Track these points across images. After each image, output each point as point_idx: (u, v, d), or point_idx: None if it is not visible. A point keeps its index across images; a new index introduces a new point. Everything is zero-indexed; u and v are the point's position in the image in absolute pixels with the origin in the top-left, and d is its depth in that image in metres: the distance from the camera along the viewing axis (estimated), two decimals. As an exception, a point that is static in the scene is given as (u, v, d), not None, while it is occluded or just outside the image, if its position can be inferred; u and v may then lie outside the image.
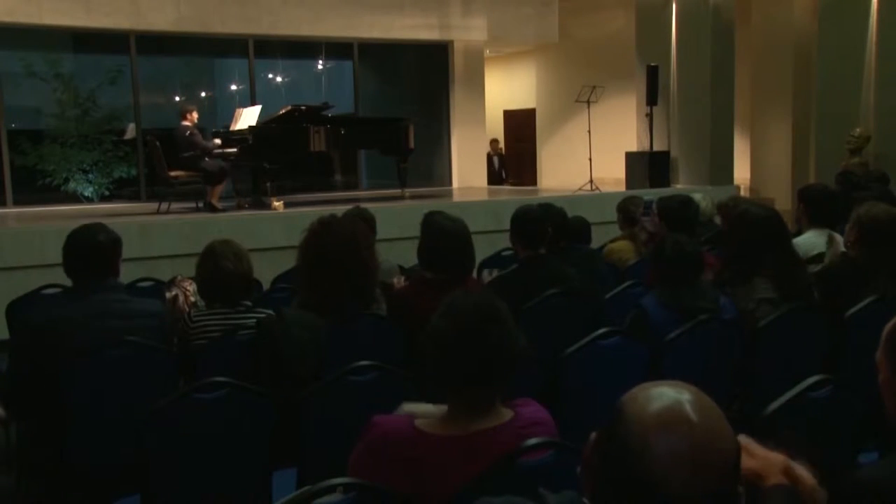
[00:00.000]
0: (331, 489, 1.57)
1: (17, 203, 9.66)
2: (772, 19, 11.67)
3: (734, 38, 10.63)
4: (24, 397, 2.81)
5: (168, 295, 3.67)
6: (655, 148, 10.54)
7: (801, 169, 11.03)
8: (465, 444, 1.69)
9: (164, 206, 8.22)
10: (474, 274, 3.69)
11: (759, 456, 1.19)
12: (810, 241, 4.05)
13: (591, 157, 10.47)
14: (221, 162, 8.23)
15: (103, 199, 10.43)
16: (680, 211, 4.43)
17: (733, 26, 10.62)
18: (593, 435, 1.09)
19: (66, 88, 10.35)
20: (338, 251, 2.86)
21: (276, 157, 8.41)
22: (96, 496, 2.54)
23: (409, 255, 3.98)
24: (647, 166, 10.34)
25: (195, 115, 8.21)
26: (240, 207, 8.45)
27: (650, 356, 2.85)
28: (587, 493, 1.10)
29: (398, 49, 12.35)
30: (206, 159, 8.16)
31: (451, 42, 12.10)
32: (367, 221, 4.22)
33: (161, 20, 9.86)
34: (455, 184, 12.34)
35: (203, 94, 12.75)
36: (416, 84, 13.07)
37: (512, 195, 10.38)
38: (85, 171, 10.33)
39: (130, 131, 10.41)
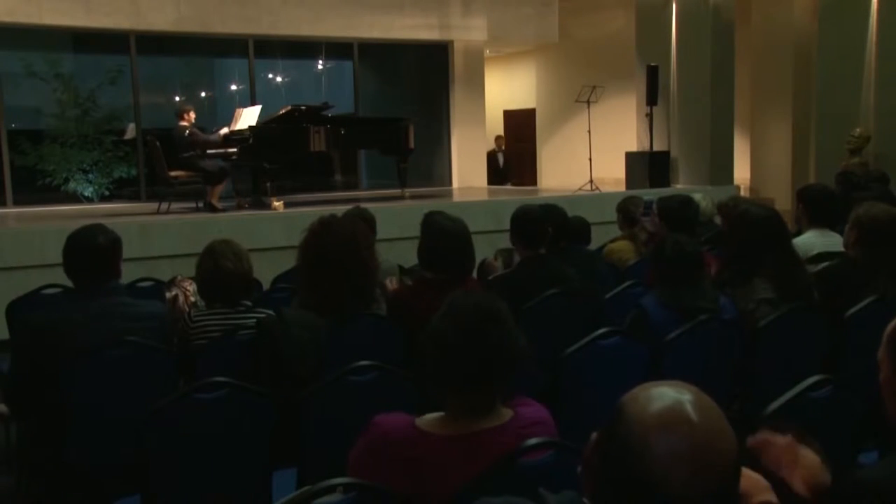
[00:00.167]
0: (331, 489, 1.57)
1: (17, 203, 9.66)
2: (772, 19, 11.67)
3: (734, 38, 10.62)
4: (24, 397, 2.81)
5: (168, 295, 3.68)
6: (655, 148, 10.54)
7: (801, 169, 11.03)
8: (466, 444, 1.69)
9: (164, 206, 8.22)
10: (474, 274, 3.69)
11: (745, 475, 1.20)
12: (810, 241, 4.05)
13: (591, 157, 10.48)
14: (221, 162, 8.22)
15: (103, 199, 10.42)
16: (680, 211, 4.43)
17: (733, 26, 10.62)
18: (594, 435, 1.09)
19: (66, 88, 10.35)
20: (338, 251, 2.85)
21: (276, 157, 8.41)
22: (96, 496, 2.54)
23: (409, 255, 3.98)
24: (647, 166, 10.34)
25: (192, 115, 8.21)
26: (240, 207, 8.45)
27: (650, 356, 2.85)
28: (587, 493, 1.10)
29: (398, 49, 12.35)
30: (207, 160, 8.16)
31: (451, 42, 12.10)
32: (367, 221, 4.22)
33: (161, 20, 9.86)
34: (455, 184, 12.34)
35: (203, 94, 12.76)
36: (416, 84, 13.07)
37: (512, 195, 10.38)
38: (85, 171, 10.33)
39: (130, 131, 10.40)
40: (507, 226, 3.88)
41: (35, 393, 2.74)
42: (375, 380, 2.39)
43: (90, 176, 10.36)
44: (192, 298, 3.61)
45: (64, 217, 8.27)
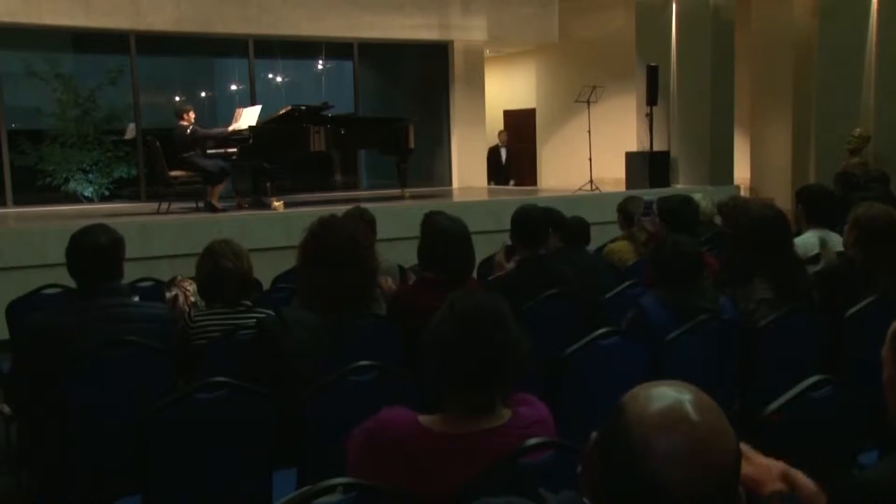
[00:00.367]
0: (331, 489, 1.57)
1: (17, 203, 9.65)
2: (772, 19, 11.66)
3: (734, 38, 10.62)
4: (24, 397, 2.81)
5: (168, 295, 3.68)
6: (655, 148, 10.54)
7: (801, 169, 11.03)
8: (465, 444, 1.69)
9: (164, 206, 8.21)
10: (474, 274, 3.69)
11: (756, 463, 1.19)
12: (809, 241, 4.06)
13: (591, 157, 10.47)
14: (221, 162, 8.23)
15: (103, 199, 10.41)
16: (680, 211, 4.43)
17: (733, 26, 10.62)
18: (594, 435, 1.09)
19: (66, 88, 10.34)
20: (338, 251, 2.85)
21: (276, 157, 8.41)
22: (96, 496, 2.54)
23: (409, 255, 3.98)
24: (647, 166, 10.34)
25: (192, 115, 8.20)
26: (240, 207, 8.45)
27: (650, 356, 2.85)
28: (587, 493, 1.09)
29: (398, 49, 12.34)
30: (207, 160, 8.16)
31: (451, 42, 12.10)
32: (368, 222, 4.22)
33: (161, 20, 9.86)
34: (455, 184, 12.33)
35: (203, 94, 12.75)
36: (416, 84, 13.06)
37: (512, 195, 10.38)
38: (85, 171, 10.32)
39: (130, 131, 10.39)
40: (507, 226, 3.88)
41: (35, 393, 2.74)
42: (375, 380, 2.39)
43: (90, 176, 10.35)
44: (192, 298, 3.61)
45: (64, 217, 8.27)
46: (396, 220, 6.80)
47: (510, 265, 3.92)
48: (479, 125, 12.49)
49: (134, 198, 10.39)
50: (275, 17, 10.53)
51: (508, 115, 14.90)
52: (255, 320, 2.92)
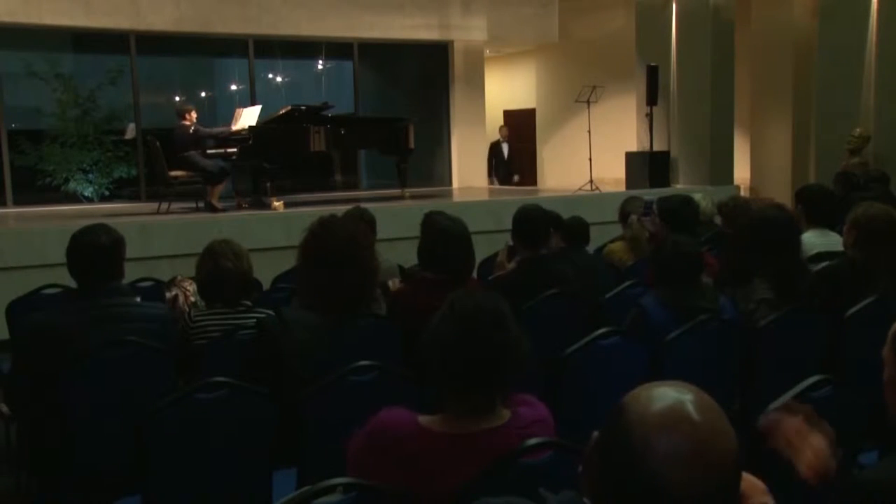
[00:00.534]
0: (331, 489, 1.57)
1: (17, 203, 9.65)
2: (772, 19, 11.66)
3: (734, 38, 10.62)
4: (24, 397, 2.81)
5: (168, 295, 3.68)
6: (655, 148, 10.54)
7: (801, 169, 11.03)
8: (465, 444, 1.69)
9: (164, 206, 8.21)
10: (474, 274, 3.70)
11: (743, 477, 1.20)
12: (809, 241, 4.05)
13: (591, 157, 10.47)
14: (221, 162, 8.23)
15: (103, 199, 10.41)
16: (680, 211, 4.44)
17: (733, 26, 10.62)
18: (595, 434, 1.09)
19: (66, 88, 10.34)
20: (338, 251, 2.85)
21: (276, 157, 8.41)
22: (96, 496, 2.54)
23: (409, 255, 3.98)
24: (647, 166, 10.33)
25: (194, 115, 8.21)
26: (240, 207, 8.45)
27: (650, 356, 2.85)
28: (587, 493, 1.09)
29: (398, 49, 12.34)
30: (207, 160, 8.16)
31: (451, 42, 12.10)
32: (368, 222, 4.22)
33: (161, 20, 9.86)
34: (455, 184, 12.33)
35: (203, 94, 12.75)
36: (416, 84, 13.07)
37: (512, 195, 10.38)
38: (85, 171, 10.32)
39: (130, 131, 10.39)
40: (508, 226, 3.88)
41: (35, 393, 2.74)
42: (375, 380, 2.39)
43: (90, 176, 10.34)
44: (192, 298, 3.61)
45: (64, 217, 8.28)
46: (396, 220, 6.80)
47: (511, 265, 3.92)
48: (479, 125, 12.49)
49: (134, 198, 10.39)
50: (275, 17, 10.53)
51: (508, 115, 14.90)
52: (255, 320, 2.92)
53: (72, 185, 10.23)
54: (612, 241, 5.26)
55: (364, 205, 5.12)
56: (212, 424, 2.26)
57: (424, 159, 11.69)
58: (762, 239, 3.22)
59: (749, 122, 12.24)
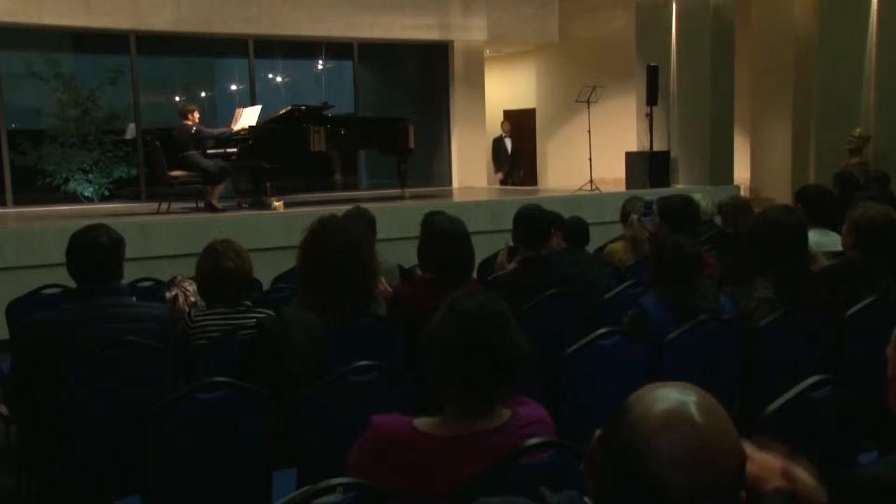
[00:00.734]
0: (331, 489, 1.57)
1: (17, 203, 9.65)
2: (772, 19, 11.67)
3: (734, 38, 10.62)
4: (24, 397, 2.81)
5: (168, 295, 3.68)
6: (655, 148, 10.54)
7: (801, 169, 11.03)
8: (464, 445, 1.69)
9: (164, 206, 8.22)
10: (474, 274, 3.70)
11: (757, 460, 1.19)
12: (809, 241, 4.05)
13: (591, 157, 10.47)
14: (222, 162, 8.23)
15: (103, 199, 10.41)
16: (680, 211, 4.44)
17: (733, 26, 10.63)
18: (597, 433, 1.09)
19: (66, 88, 10.34)
20: (338, 251, 2.85)
21: (276, 157, 8.41)
22: (96, 496, 2.54)
23: (409, 255, 3.98)
24: (647, 166, 10.34)
25: (197, 115, 8.21)
26: (240, 207, 8.45)
27: (650, 356, 2.85)
28: (590, 491, 1.10)
29: (398, 49, 12.35)
30: (207, 160, 8.16)
31: (451, 42, 12.10)
32: (368, 221, 4.22)
33: (161, 20, 9.86)
34: (455, 184, 12.34)
35: (203, 94, 12.75)
36: (416, 84, 13.07)
37: (512, 195, 10.39)
38: (85, 171, 10.31)
39: (130, 131, 10.40)
40: (508, 226, 3.88)
41: (35, 393, 2.74)
42: (375, 380, 2.39)
43: (90, 176, 10.34)
44: (192, 298, 3.60)
45: (64, 217, 8.27)
46: (396, 220, 6.80)
47: (511, 266, 3.92)
48: (479, 125, 12.49)
49: (134, 198, 10.38)
50: (275, 18, 10.53)
51: (508, 115, 14.90)
52: (255, 320, 2.92)
53: (72, 185, 10.23)
54: (612, 241, 5.26)
55: (364, 205, 5.12)
56: (212, 424, 2.26)
57: (424, 159, 11.70)
58: (773, 240, 3.20)
59: (749, 122, 12.24)
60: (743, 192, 10.76)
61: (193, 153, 8.09)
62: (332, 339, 2.68)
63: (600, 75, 11.46)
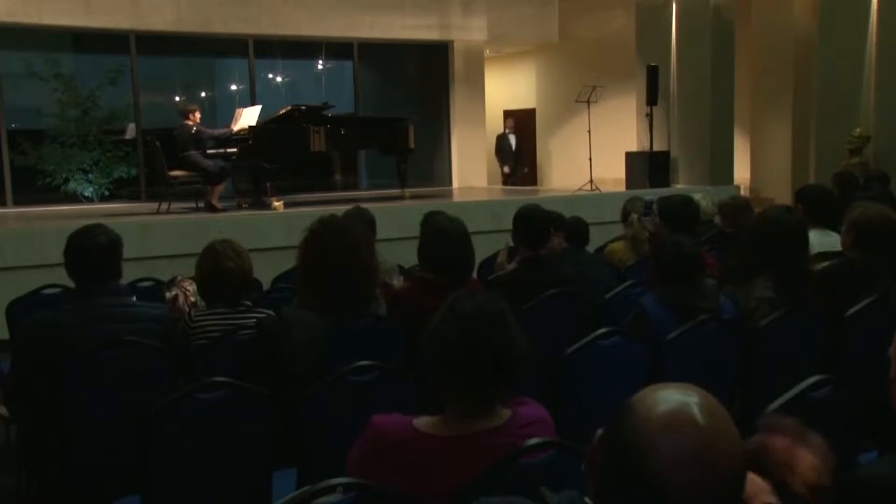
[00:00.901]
0: (331, 489, 1.57)
1: (17, 203, 9.65)
2: (772, 19, 11.67)
3: (734, 38, 10.63)
4: (25, 398, 2.81)
5: (168, 295, 3.67)
6: (655, 148, 10.55)
7: (801, 169, 11.04)
8: (464, 445, 1.69)
9: (164, 206, 8.22)
10: (474, 274, 3.69)
11: (749, 479, 1.20)
12: (809, 241, 4.05)
13: (591, 157, 10.47)
14: (222, 162, 8.23)
15: (103, 199, 10.41)
16: (680, 211, 4.44)
17: (733, 26, 10.63)
18: (598, 433, 1.09)
19: (66, 88, 10.33)
20: (338, 251, 2.85)
21: (276, 157, 8.41)
22: (96, 496, 2.54)
23: (409, 255, 3.98)
24: (647, 166, 10.34)
25: (198, 115, 8.21)
26: (240, 207, 8.45)
27: (650, 356, 2.85)
28: (591, 491, 1.10)
29: (398, 49, 12.35)
30: (208, 160, 8.16)
31: (451, 42, 12.10)
32: (368, 222, 4.22)
33: (161, 20, 9.86)
34: (455, 184, 12.34)
35: (203, 94, 12.75)
36: (416, 84, 13.07)
37: (512, 195, 10.39)
38: (85, 171, 10.31)
39: (130, 131, 10.39)
40: (508, 226, 3.88)
41: (35, 393, 2.74)
42: (375, 380, 2.39)
43: (90, 176, 10.34)
44: (193, 298, 3.60)
45: (64, 217, 8.27)
46: (396, 220, 6.80)
47: (511, 266, 3.92)
48: (479, 125, 12.49)
49: (134, 198, 10.38)
50: (275, 18, 10.54)
51: (508, 115, 14.92)
52: (255, 320, 2.92)
53: (72, 185, 10.23)
54: (612, 241, 5.26)
55: (364, 205, 5.12)
56: (212, 424, 2.26)
57: (424, 159, 11.70)
58: (773, 240, 3.20)
59: (749, 122, 12.24)
60: (743, 192, 10.77)
61: (193, 153, 8.09)
62: (332, 339, 2.68)
63: (600, 75, 11.46)
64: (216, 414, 2.26)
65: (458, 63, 12.24)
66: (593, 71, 11.92)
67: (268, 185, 8.43)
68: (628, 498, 1.01)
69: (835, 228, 4.15)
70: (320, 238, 2.90)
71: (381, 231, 4.57)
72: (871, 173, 7.96)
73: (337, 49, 12.22)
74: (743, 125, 11.92)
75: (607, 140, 11.25)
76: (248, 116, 8.52)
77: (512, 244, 4.03)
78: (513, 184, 12.79)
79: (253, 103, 9.96)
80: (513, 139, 12.99)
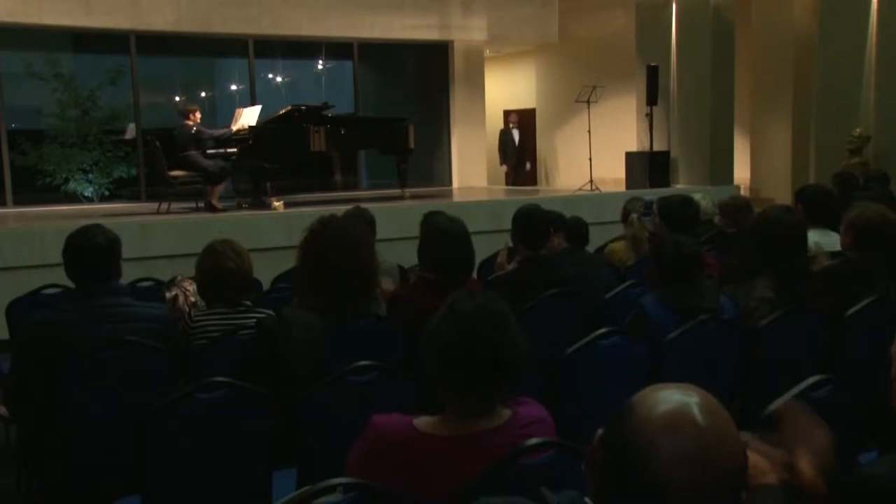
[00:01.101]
0: (331, 489, 1.57)
1: (17, 203, 9.65)
2: (772, 19, 11.67)
3: (734, 38, 10.63)
4: (25, 398, 2.81)
5: (168, 295, 3.67)
6: (655, 148, 10.55)
7: (801, 169, 11.03)
8: (464, 445, 1.69)
9: (164, 206, 8.22)
10: (474, 274, 3.69)
11: (757, 453, 1.20)
12: (809, 241, 4.05)
13: (591, 157, 10.48)
14: (222, 162, 8.23)
15: (103, 199, 10.41)
16: (680, 211, 4.44)
17: (733, 26, 10.63)
18: (598, 433, 1.09)
19: (66, 88, 10.33)
20: (337, 251, 2.85)
21: (276, 157, 8.41)
22: (96, 496, 2.54)
23: (409, 255, 3.98)
24: (647, 166, 10.35)
25: (198, 115, 8.21)
26: (240, 207, 8.45)
27: (650, 356, 2.85)
28: (591, 491, 1.10)
29: (398, 49, 12.35)
30: (208, 160, 8.16)
31: (451, 42, 12.10)
32: (368, 222, 4.22)
33: (161, 20, 9.86)
34: (455, 184, 12.34)
35: (203, 94, 12.75)
36: (416, 84, 13.07)
37: (512, 195, 10.39)
38: (85, 171, 10.31)
39: (130, 131, 10.39)
40: (508, 226, 3.88)
41: (35, 393, 2.74)
42: (375, 380, 2.39)
43: (90, 176, 10.34)
44: (193, 298, 3.60)
45: (64, 217, 8.27)
46: (396, 220, 6.80)
47: (511, 266, 3.92)
48: (479, 125, 12.49)
49: (134, 198, 10.38)
50: (275, 18, 10.54)
51: (508, 115, 14.92)
52: (255, 320, 2.92)
53: (72, 185, 10.23)
54: (612, 241, 5.26)
55: (364, 205, 5.12)
56: (212, 424, 2.26)
57: (424, 159, 11.70)
58: (772, 240, 3.20)
59: (749, 122, 12.24)
60: (743, 192, 10.76)
61: (193, 153, 8.09)
62: (332, 339, 2.68)
63: (600, 75, 11.46)
64: (216, 414, 2.26)
65: (458, 63, 12.24)
66: (593, 71, 11.92)
67: (268, 185, 8.43)
68: (628, 498, 1.01)
69: (834, 228, 4.15)
70: (320, 238, 2.90)
71: (381, 231, 4.57)
72: (871, 173, 7.96)
73: (337, 49, 12.22)
74: (743, 125, 11.92)
75: (607, 140, 11.26)
76: (248, 116, 8.52)
77: (511, 244, 4.03)
78: (515, 179, 12.77)
79: (253, 103, 9.96)
80: (516, 134, 12.98)
